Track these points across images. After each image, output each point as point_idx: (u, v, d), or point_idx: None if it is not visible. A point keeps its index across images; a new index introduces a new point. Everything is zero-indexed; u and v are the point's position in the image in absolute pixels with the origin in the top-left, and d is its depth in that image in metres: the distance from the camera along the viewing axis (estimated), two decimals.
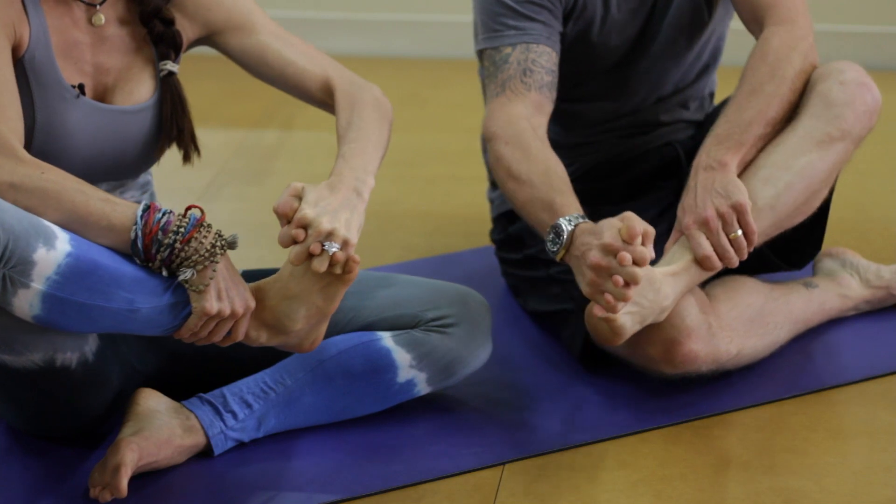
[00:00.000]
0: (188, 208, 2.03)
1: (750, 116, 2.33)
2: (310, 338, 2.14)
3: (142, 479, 2.16)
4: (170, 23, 2.23)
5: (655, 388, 2.37)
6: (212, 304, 2.02)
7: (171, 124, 2.23)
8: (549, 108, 2.45)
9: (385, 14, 4.42)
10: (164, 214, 2.01)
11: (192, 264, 2.00)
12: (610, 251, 2.16)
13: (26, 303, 1.96)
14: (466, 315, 2.30)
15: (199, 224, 2.01)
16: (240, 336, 2.08)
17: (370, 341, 2.26)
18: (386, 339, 2.27)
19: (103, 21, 2.19)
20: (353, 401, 2.28)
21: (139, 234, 2.00)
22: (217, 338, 2.07)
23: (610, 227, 2.18)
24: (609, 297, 2.16)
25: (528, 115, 2.41)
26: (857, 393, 2.41)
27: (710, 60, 2.66)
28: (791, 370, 2.46)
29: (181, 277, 2.00)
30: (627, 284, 2.15)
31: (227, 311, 2.03)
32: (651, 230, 2.17)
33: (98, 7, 2.18)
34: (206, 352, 2.30)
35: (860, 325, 2.60)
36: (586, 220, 2.25)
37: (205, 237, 2.01)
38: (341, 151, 2.17)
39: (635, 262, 2.15)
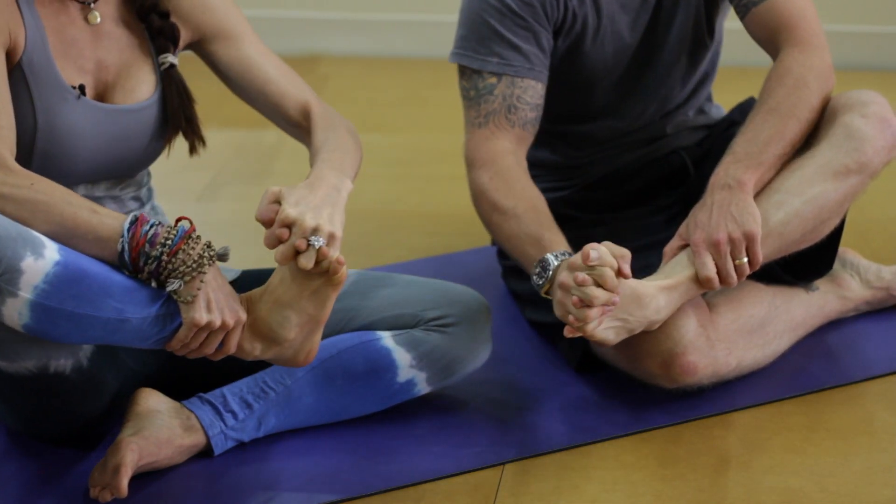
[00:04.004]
0: (178, 220, 2.03)
1: (768, 136, 2.33)
2: (304, 349, 2.13)
3: (142, 479, 2.16)
4: (166, 16, 2.23)
5: (655, 389, 2.37)
6: (201, 315, 2.01)
7: (180, 116, 2.24)
8: (530, 140, 2.47)
9: (385, 14, 4.42)
10: (151, 227, 2.00)
11: (179, 275, 2.00)
12: (573, 269, 2.17)
13: (15, 311, 1.96)
14: (466, 315, 2.30)
15: (188, 236, 2.01)
16: (232, 349, 2.08)
17: (370, 341, 2.27)
18: (386, 338, 2.27)
19: (99, 19, 2.19)
20: (353, 400, 2.28)
21: (126, 246, 1.99)
22: (208, 350, 2.06)
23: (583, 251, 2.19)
24: (572, 318, 2.17)
25: (512, 149, 2.43)
26: (857, 393, 2.41)
27: (709, 68, 2.66)
28: (791, 370, 2.46)
29: (169, 288, 2.00)
30: (586, 304, 2.15)
31: (218, 322, 2.03)
32: (627, 253, 2.18)
33: (92, 5, 2.19)
34: None
35: (860, 326, 2.60)
36: (572, 254, 2.26)
37: (192, 249, 2.00)
38: (320, 157, 2.17)
39: (599, 284, 2.15)
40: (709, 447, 2.27)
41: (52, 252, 1.96)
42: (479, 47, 2.45)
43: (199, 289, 2.00)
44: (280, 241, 2.02)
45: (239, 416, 2.23)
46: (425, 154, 3.58)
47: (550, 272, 2.24)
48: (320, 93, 4.13)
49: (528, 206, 2.36)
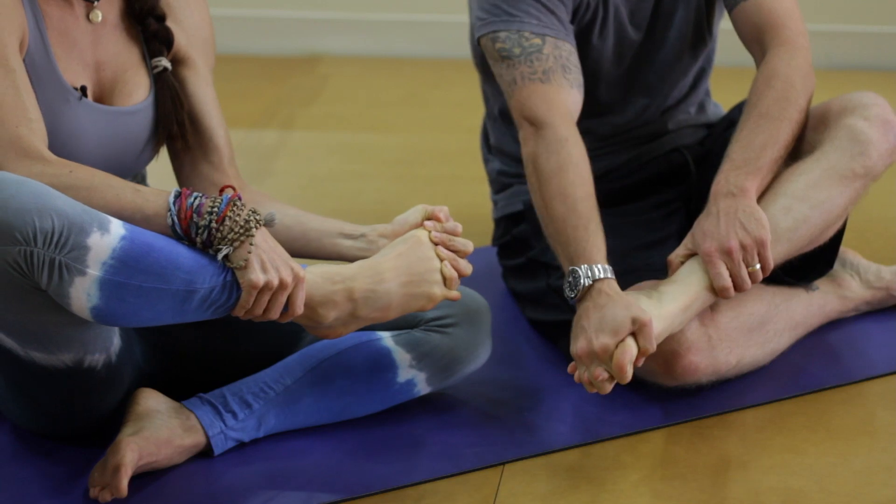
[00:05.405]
0: (222, 190, 2.04)
1: (762, 141, 2.33)
2: (348, 329, 2.15)
3: (142, 479, 2.16)
4: (162, 19, 2.23)
5: (655, 389, 2.37)
6: (257, 276, 2.01)
7: (171, 120, 2.24)
8: (578, 111, 2.43)
9: (385, 14, 4.42)
10: (196, 198, 2.01)
11: (228, 242, 2.00)
12: (595, 357, 2.19)
13: (83, 293, 1.95)
14: (466, 315, 2.30)
15: (232, 202, 2.01)
16: (298, 309, 2.07)
17: (370, 341, 2.27)
18: (386, 338, 2.27)
19: (100, 18, 2.19)
20: (353, 400, 2.28)
21: (175, 220, 2.00)
22: (274, 312, 2.06)
23: (612, 330, 2.18)
24: (585, 377, 2.21)
25: (575, 113, 2.39)
26: (857, 393, 2.41)
27: (705, 64, 2.67)
28: (791, 370, 2.46)
29: (220, 255, 2.01)
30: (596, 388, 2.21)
31: (276, 282, 2.03)
32: (650, 350, 2.19)
33: (95, 3, 2.19)
34: (208, 352, 2.31)
35: (860, 326, 2.60)
36: (607, 275, 2.25)
37: (238, 214, 2.01)
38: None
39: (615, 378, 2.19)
40: (709, 447, 2.27)
41: (117, 227, 1.97)
42: (513, 10, 2.40)
43: (249, 252, 2.01)
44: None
45: (239, 416, 2.23)
46: (425, 154, 3.58)
47: (580, 290, 2.25)
48: (320, 93, 4.14)
49: (585, 193, 2.33)
